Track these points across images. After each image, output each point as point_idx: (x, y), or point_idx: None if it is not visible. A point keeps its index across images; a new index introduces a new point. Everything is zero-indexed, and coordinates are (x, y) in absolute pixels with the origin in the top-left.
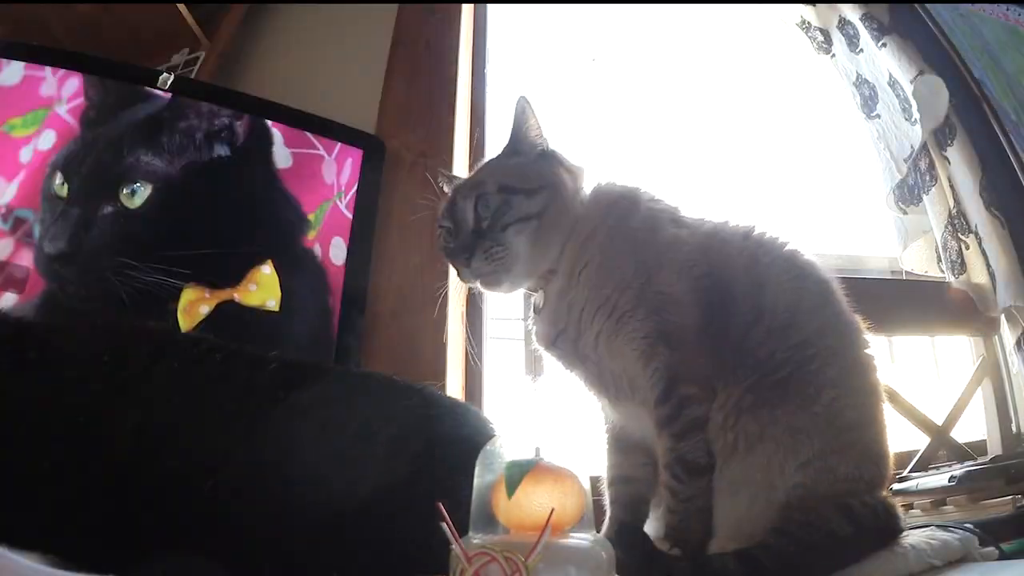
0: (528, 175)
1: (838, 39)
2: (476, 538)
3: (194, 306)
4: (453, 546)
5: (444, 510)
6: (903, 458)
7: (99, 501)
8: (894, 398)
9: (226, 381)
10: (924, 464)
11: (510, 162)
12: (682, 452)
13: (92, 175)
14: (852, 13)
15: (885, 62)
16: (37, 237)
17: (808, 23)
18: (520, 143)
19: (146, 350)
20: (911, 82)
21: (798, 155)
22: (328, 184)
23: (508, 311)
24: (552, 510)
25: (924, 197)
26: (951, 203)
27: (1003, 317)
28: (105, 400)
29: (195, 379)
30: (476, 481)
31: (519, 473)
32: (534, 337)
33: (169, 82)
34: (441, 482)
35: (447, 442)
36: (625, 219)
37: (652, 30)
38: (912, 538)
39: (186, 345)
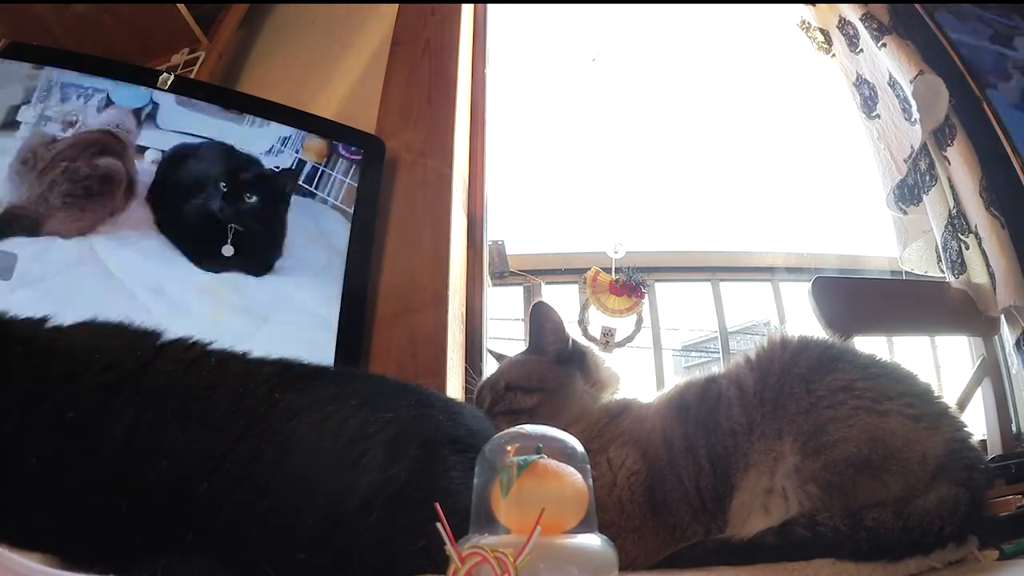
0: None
1: (838, 39)
2: (475, 539)
3: None
4: (447, 546)
5: (441, 511)
6: None
7: (91, 501)
8: None
9: (220, 384)
10: None
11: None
12: None
13: None
14: (852, 13)
15: (885, 62)
16: None
17: (808, 23)
18: (538, 344)
19: (138, 351)
20: (911, 82)
21: (798, 155)
22: None
23: (508, 312)
24: (543, 509)
25: (924, 197)
26: (951, 203)
27: (1003, 317)
28: (95, 398)
29: (189, 381)
30: (476, 481)
31: (515, 472)
32: None
33: (169, 82)
34: (438, 482)
35: (444, 442)
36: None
37: (652, 30)
38: None
39: (179, 348)
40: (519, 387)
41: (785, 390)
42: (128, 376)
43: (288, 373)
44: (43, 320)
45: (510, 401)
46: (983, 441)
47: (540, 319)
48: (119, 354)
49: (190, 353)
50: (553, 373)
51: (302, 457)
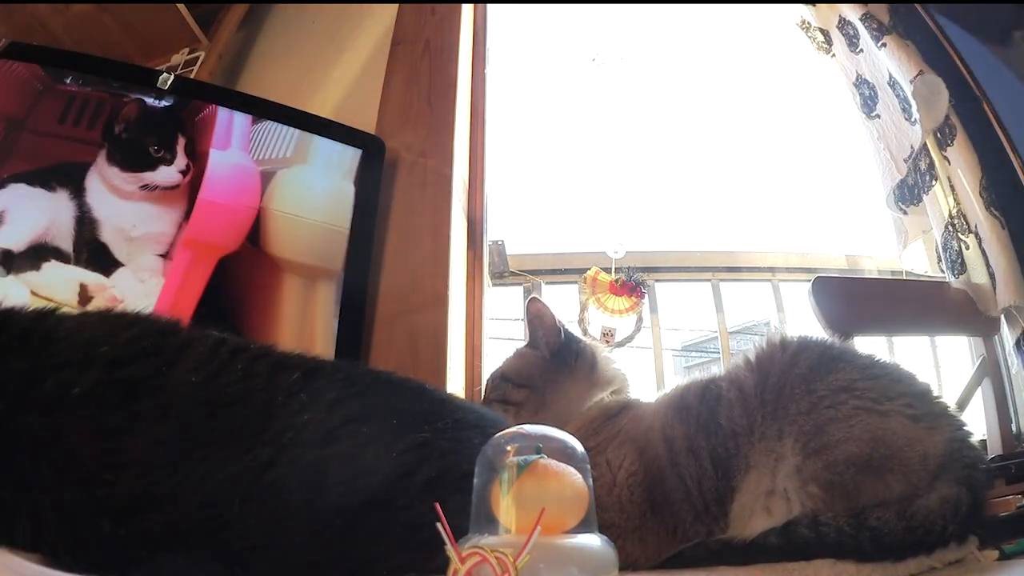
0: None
1: (838, 39)
2: (475, 539)
3: None
4: (447, 546)
5: (441, 511)
6: None
7: (93, 499)
8: None
9: (244, 400)
10: None
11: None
12: None
13: None
14: (852, 13)
15: (885, 62)
16: None
17: (808, 23)
18: (534, 340)
19: (159, 350)
20: (911, 82)
21: (798, 155)
22: None
23: (508, 312)
24: (543, 509)
25: (924, 197)
26: (951, 203)
27: (1003, 317)
28: (99, 392)
29: (210, 396)
30: (476, 481)
31: (515, 472)
32: None
33: (169, 82)
34: (442, 482)
35: (451, 443)
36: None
37: (652, 30)
38: None
39: (203, 350)
40: (510, 379)
41: (785, 391)
42: (145, 379)
43: (318, 381)
44: (44, 309)
45: (503, 391)
46: (983, 441)
47: (531, 316)
48: (128, 346)
49: (215, 358)
50: (541, 370)
51: (308, 457)
